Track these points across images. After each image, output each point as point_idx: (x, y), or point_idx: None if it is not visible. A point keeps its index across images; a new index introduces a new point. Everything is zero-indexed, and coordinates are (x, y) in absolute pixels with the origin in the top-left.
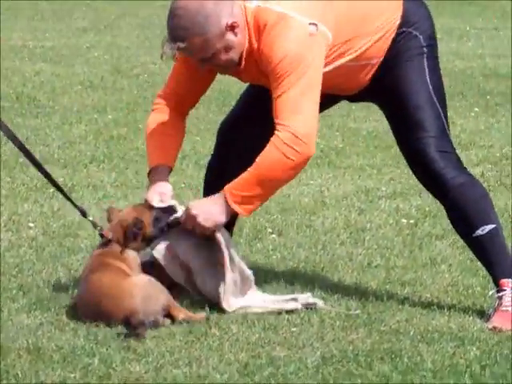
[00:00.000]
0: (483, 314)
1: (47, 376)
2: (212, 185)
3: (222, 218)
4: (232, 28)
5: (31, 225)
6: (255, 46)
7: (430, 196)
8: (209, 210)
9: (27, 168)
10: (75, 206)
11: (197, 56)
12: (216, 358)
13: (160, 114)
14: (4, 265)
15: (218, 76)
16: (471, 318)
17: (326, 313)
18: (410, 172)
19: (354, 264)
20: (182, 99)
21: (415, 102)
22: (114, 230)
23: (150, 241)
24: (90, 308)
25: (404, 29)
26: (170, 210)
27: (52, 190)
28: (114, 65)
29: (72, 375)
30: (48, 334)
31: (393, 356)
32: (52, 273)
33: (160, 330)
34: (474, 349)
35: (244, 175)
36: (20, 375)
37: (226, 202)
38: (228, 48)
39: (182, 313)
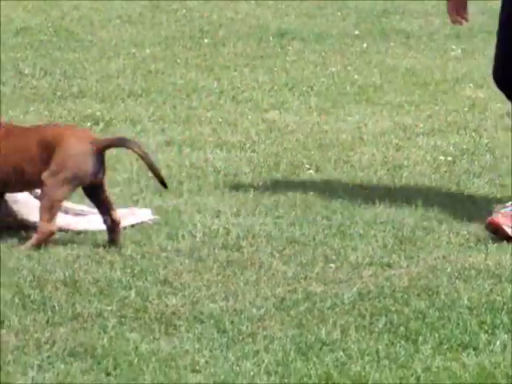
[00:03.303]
0: None
1: (84, 308)
2: None
3: None
4: None
5: None
6: None
7: (468, 133)
8: None
9: (65, 101)
10: None
11: None
12: (253, 293)
13: None
14: None
15: (257, 11)
16: (508, 255)
17: (363, 248)
18: (448, 109)
19: (391, 200)
20: None
21: None
22: None
23: None
24: None
25: None
26: None
27: (90, 123)
28: None
29: (108, 308)
30: (85, 266)
31: (430, 293)
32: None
33: (197, 264)
34: (511, 286)
35: None
36: (57, 307)
37: None
38: None
39: None
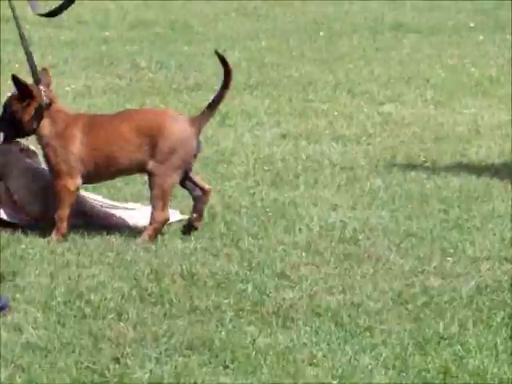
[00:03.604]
0: None
1: (201, 301)
2: None
3: None
4: None
5: None
6: None
7: None
8: None
9: (180, 94)
10: None
11: None
12: (370, 286)
13: None
14: None
15: (372, 4)
16: None
17: (481, 242)
18: None
19: (509, 193)
20: None
21: None
22: None
23: None
24: None
25: None
26: None
27: None
28: None
29: (226, 301)
30: (202, 259)
31: None
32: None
33: (314, 257)
34: None
35: None
36: (174, 300)
37: None
38: None
39: None
